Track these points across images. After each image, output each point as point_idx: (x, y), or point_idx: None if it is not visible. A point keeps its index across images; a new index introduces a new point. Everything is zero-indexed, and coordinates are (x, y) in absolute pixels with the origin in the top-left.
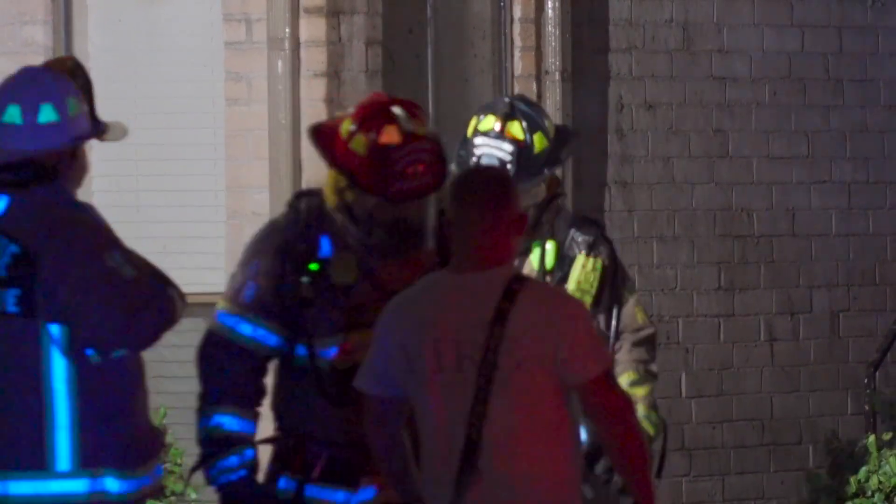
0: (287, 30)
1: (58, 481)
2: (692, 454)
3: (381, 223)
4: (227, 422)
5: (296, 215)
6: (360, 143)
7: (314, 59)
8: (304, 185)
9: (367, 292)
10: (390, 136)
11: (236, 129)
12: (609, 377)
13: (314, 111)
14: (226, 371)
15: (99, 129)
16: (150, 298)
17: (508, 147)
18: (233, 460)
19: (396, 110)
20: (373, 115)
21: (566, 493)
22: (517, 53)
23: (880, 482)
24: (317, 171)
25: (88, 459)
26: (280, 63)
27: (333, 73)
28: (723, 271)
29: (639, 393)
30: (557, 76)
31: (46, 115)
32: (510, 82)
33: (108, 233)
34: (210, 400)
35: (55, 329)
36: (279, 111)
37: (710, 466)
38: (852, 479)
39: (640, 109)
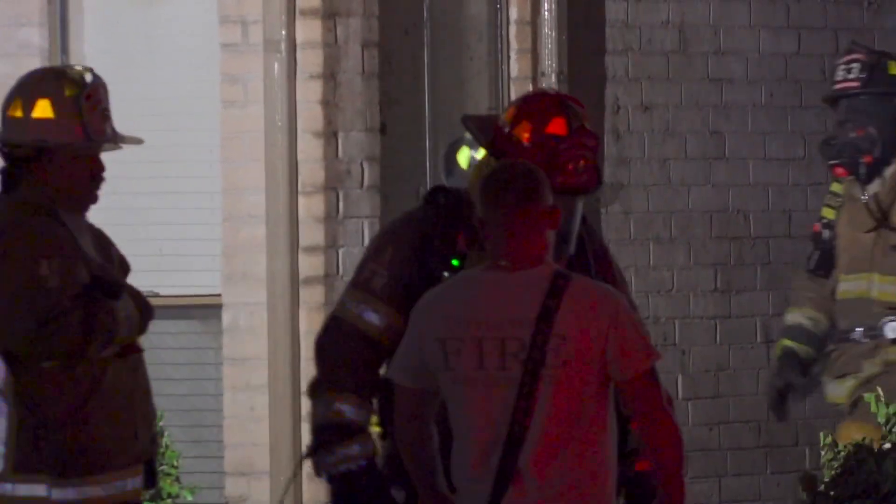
0: (283, 32)
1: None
2: (688, 456)
3: None
4: (348, 410)
5: (435, 209)
6: (524, 130)
7: (310, 61)
8: (301, 188)
9: None
10: (557, 127)
11: (232, 132)
12: (654, 374)
13: (310, 113)
14: (349, 358)
15: (88, 141)
16: (70, 310)
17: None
18: (355, 448)
19: (566, 103)
20: (541, 105)
21: (603, 485)
22: (513, 55)
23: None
24: (313, 174)
25: (21, 464)
26: (276, 65)
27: (329, 75)
28: (719, 273)
29: None
30: (554, 78)
31: (14, 109)
32: (507, 84)
33: (55, 239)
34: (330, 386)
35: None
36: (275, 113)
37: (706, 468)
38: (851, 480)
39: (637, 111)
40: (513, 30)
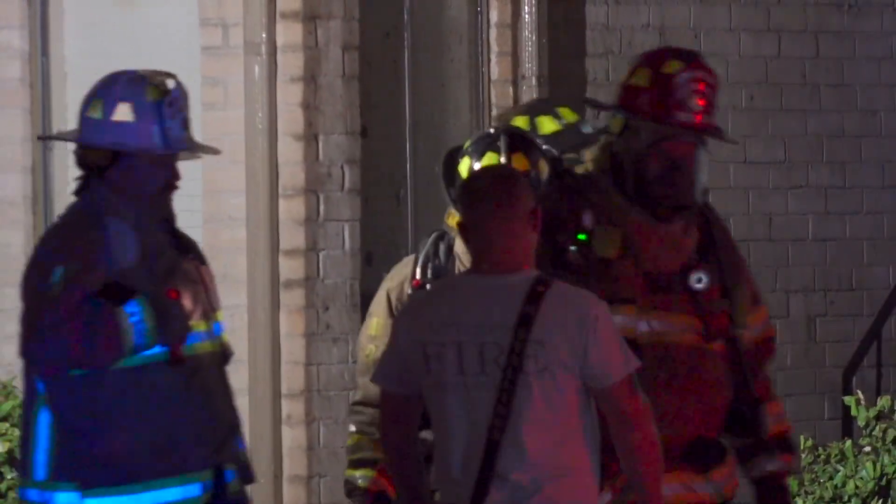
0: (264, 34)
1: (35, 490)
2: None
3: (653, 168)
4: None
5: (561, 187)
6: (642, 76)
7: (291, 63)
8: (281, 190)
9: (626, 269)
10: (672, 67)
11: (213, 134)
12: (632, 382)
13: (291, 116)
14: None
15: (167, 148)
16: (68, 318)
17: None
18: None
19: (684, 51)
20: (660, 53)
21: (584, 490)
22: (494, 58)
23: (857, 487)
24: (293, 176)
25: (60, 472)
26: (257, 68)
27: (310, 78)
28: None
29: None
30: (534, 81)
31: (93, 109)
32: (487, 87)
33: (87, 244)
34: None
35: None
36: (256, 116)
37: None
38: (829, 484)
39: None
40: (493, 33)
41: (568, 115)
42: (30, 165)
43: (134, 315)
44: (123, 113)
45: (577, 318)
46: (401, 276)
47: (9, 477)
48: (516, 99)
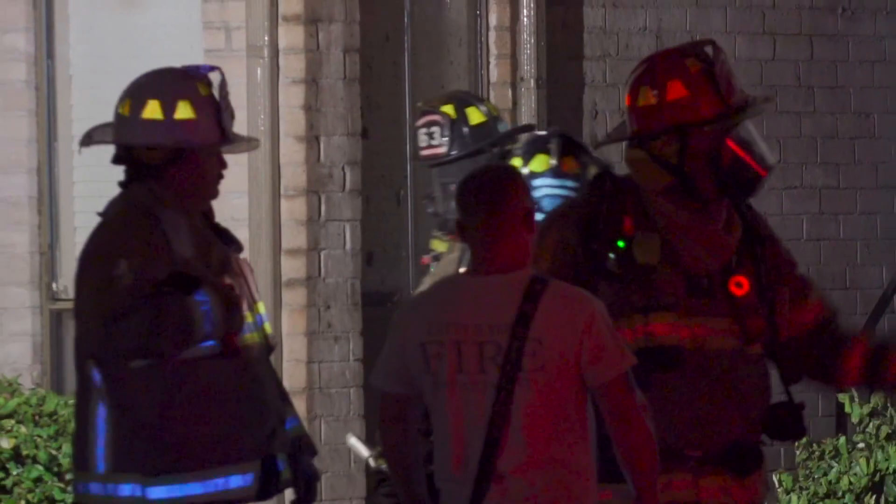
0: (266, 37)
1: (96, 483)
2: None
3: (727, 156)
4: None
5: (599, 192)
6: (676, 87)
7: (292, 66)
8: (283, 191)
9: (667, 275)
10: (696, 64)
11: None
12: (628, 378)
13: (293, 118)
14: None
15: (224, 142)
16: (138, 308)
17: (571, 183)
18: None
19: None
20: (662, 62)
21: (582, 486)
22: (493, 61)
23: (851, 483)
24: (295, 177)
25: (120, 464)
26: (259, 70)
27: (311, 81)
28: None
29: None
30: (532, 83)
31: (151, 111)
32: (486, 89)
33: (144, 237)
34: None
35: None
36: (258, 118)
37: None
38: (823, 480)
39: (615, 116)
40: (492, 35)
41: (492, 109)
42: (35, 166)
43: (204, 304)
44: (184, 111)
45: (574, 316)
46: (444, 273)
47: (14, 473)
48: (515, 101)
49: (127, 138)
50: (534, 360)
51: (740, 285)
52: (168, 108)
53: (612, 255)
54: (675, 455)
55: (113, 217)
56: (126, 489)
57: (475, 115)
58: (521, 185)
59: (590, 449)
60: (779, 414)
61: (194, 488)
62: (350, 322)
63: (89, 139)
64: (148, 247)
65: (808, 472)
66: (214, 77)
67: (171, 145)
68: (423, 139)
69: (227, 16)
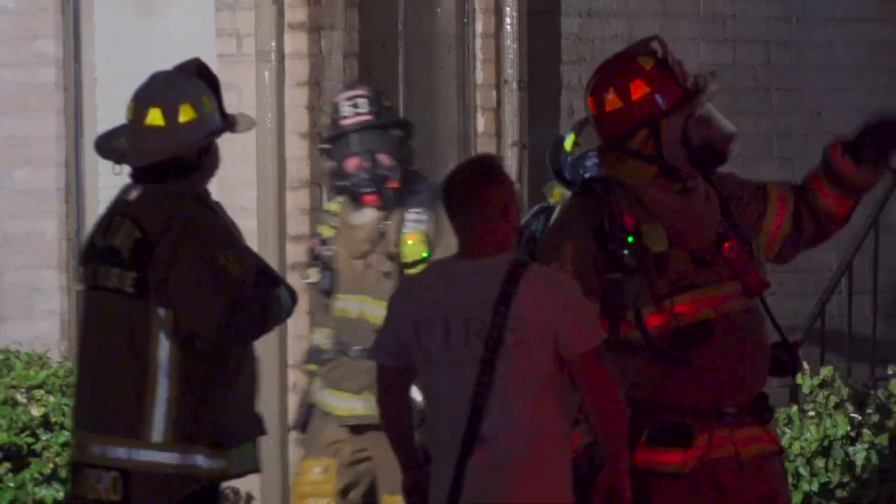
0: (273, 44)
1: (150, 451)
2: None
3: (695, 139)
4: None
5: (595, 198)
6: (638, 86)
7: (297, 70)
8: (289, 183)
9: (679, 257)
10: (648, 61)
11: (227, 134)
12: (599, 353)
13: (297, 117)
14: None
15: (229, 123)
16: (253, 297)
17: None
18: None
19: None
20: (616, 68)
21: (558, 452)
22: (479, 65)
23: (802, 448)
24: (299, 171)
25: (181, 435)
26: (267, 74)
27: (315, 83)
28: None
29: None
30: (515, 85)
31: (186, 114)
32: (473, 91)
33: (226, 230)
34: None
35: (163, 313)
36: (266, 117)
37: None
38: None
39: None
40: (478, 42)
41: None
42: (63, 161)
43: (283, 297)
44: (209, 104)
45: (551, 295)
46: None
47: (43, 438)
48: (499, 101)
49: (181, 141)
50: (514, 334)
51: (732, 249)
52: (198, 107)
53: (626, 252)
54: (714, 414)
55: (186, 211)
56: (214, 461)
57: (385, 99)
58: (497, 180)
59: (566, 418)
60: (776, 354)
61: (242, 460)
62: None
63: (120, 155)
64: (233, 239)
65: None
66: (211, 69)
67: (214, 138)
68: (347, 110)
69: (238, 24)
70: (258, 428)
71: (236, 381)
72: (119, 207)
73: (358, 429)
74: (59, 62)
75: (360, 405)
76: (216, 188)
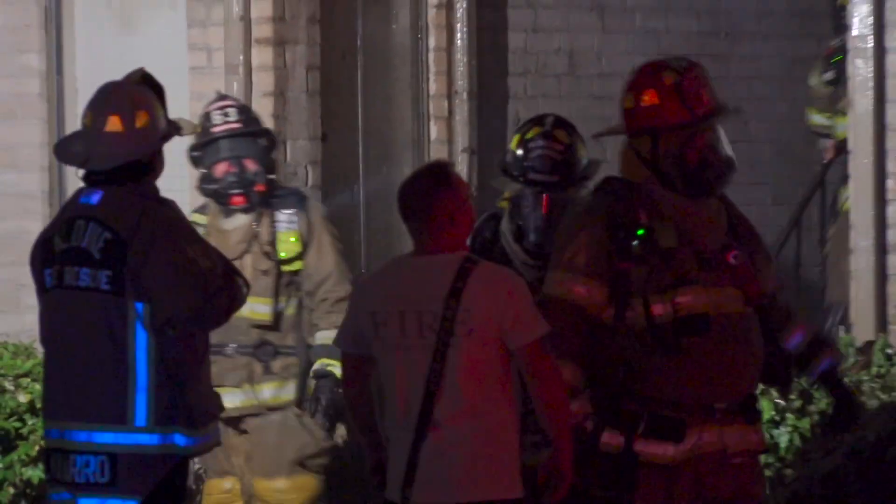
0: (241, 57)
1: (134, 434)
2: None
3: (693, 159)
4: (570, 374)
5: (611, 192)
6: (650, 96)
7: (264, 81)
8: None
9: (686, 254)
10: (672, 76)
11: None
12: (542, 344)
13: (264, 124)
14: (562, 329)
15: (175, 127)
16: (222, 287)
17: (559, 147)
18: (574, 405)
19: (665, 62)
20: (646, 73)
21: (506, 435)
22: (432, 77)
23: None
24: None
25: (161, 418)
26: (235, 85)
27: (280, 94)
28: None
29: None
30: (465, 96)
31: (142, 120)
32: (426, 101)
33: (190, 227)
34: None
35: (139, 306)
36: None
37: None
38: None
39: None
40: (431, 56)
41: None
42: (47, 165)
43: (242, 286)
44: (159, 110)
45: (497, 290)
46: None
47: (29, 423)
48: (451, 110)
49: (141, 145)
50: (464, 326)
51: (736, 258)
52: (155, 116)
53: (634, 243)
54: (705, 409)
55: (160, 206)
56: (192, 440)
57: (252, 111)
58: (447, 188)
59: (513, 405)
60: (772, 362)
61: (214, 439)
62: None
63: (83, 159)
64: (197, 235)
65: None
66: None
67: (167, 139)
68: (218, 118)
69: (209, 39)
70: (220, 405)
71: (202, 364)
72: (79, 211)
73: (239, 420)
74: (42, 74)
75: (241, 397)
76: (188, 189)
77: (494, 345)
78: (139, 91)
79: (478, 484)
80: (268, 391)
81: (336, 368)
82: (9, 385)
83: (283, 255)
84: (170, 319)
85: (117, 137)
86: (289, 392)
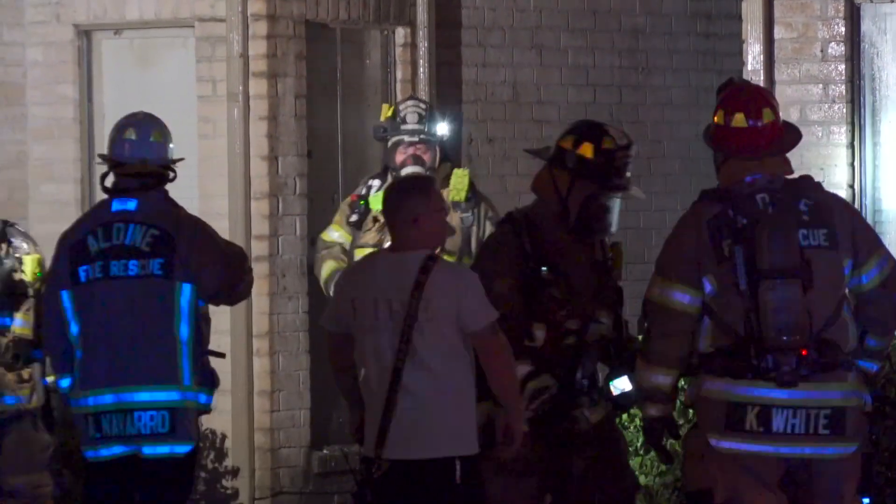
0: (240, 87)
1: (184, 392)
2: None
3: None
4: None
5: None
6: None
7: (259, 107)
8: (253, 195)
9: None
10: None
11: (206, 156)
12: (493, 328)
13: (259, 143)
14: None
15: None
16: (246, 270)
17: (423, 105)
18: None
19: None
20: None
21: (462, 404)
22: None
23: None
24: (261, 185)
25: (197, 380)
26: (236, 110)
27: (272, 117)
28: None
29: None
30: None
31: (155, 136)
32: None
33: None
34: (647, 359)
35: (186, 287)
36: (235, 143)
37: None
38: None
39: (484, 143)
40: (399, 86)
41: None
42: (79, 177)
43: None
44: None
45: (453, 283)
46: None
47: None
48: None
49: (173, 156)
50: (425, 313)
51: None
52: (166, 135)
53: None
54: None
55: (183, 209)
56: (210, 399)
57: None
58: (415, 196)
59: (470, 376)
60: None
61: (212, 399)
62: (299, 286)
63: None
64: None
65: None
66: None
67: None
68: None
69: (214, 72)
70: (217, 376)
71: (209, 337)
72: (115, 217)
73: None
74: (76, 102)
75: None
76: (198, 196)
77: (452, 328)
78: (152, 117)
79: (440, 442)
80: None
81: None
82: None
83: None
84: (213, 295)
85: (159, 146)
86: None
